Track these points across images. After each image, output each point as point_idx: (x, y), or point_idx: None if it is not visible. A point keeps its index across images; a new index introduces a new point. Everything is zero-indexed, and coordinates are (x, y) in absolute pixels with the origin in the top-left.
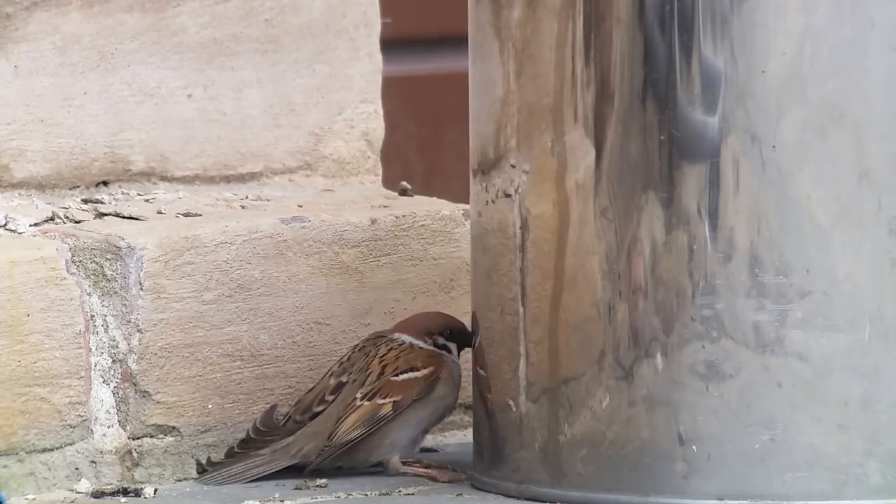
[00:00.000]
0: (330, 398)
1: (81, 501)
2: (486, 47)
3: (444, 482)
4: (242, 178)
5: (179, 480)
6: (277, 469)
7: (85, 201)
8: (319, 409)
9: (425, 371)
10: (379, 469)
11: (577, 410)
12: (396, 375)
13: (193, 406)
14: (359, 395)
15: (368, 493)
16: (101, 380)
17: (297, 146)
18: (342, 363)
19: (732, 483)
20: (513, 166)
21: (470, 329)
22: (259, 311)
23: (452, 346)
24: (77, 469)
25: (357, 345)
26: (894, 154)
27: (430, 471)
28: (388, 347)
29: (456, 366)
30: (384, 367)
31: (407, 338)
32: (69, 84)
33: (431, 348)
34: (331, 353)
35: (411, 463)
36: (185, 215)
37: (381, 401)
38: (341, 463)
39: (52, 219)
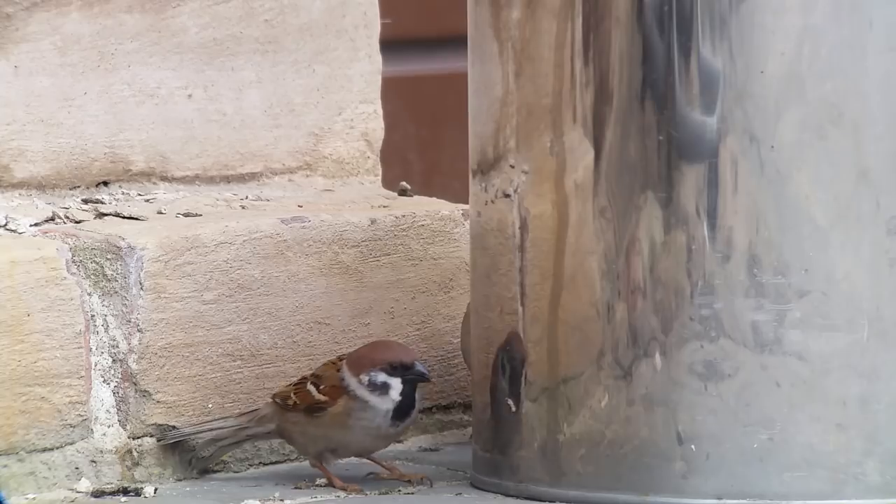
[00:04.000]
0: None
1: (82, 501)
2: (486, 48)
3: (338, 487)
4: (242, 178)
5: (179, 480)
6: (229, 429)
7: (85, 201)
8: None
9: (321, 398)
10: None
11: (576, 410)
12: (310, 383)
13: (193, 406)
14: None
15: (368, 493)
16: (102, 379)
17: (297, 146)
18: None
19: (731, 482)
20: (512, 166)
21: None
22: (259, 311)
23: (395, 382)
24: (77, 468)
25: None
26: (892, 154)
27: (337, 480)
28: (331, 363)
29: (372, 411)
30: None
31: (344, 370)
32: (69, 84)
33: (344, 384)
34: (331, 352)
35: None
36: (186, 215)
37: (293, 396)
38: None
39: (52, 219)
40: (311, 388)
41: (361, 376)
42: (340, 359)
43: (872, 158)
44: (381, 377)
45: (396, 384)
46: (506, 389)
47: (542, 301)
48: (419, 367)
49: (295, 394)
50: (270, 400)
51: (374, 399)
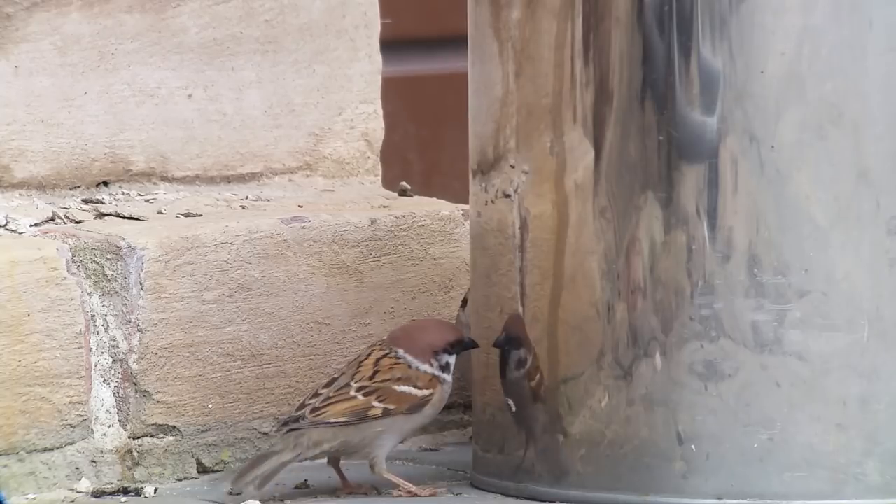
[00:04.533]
0: (322, 391)
1: (82, 501)
2: (486, 48)
3: (425, 496)
4: (242, 179)
5: (179, 480)
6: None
7: (85, 201)
8: (311, 401)
9: (425, 392)
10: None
11: (576, 410)
12: (397, 384)
13: (193, 406)
14: (354, 387)
15: (368, 493)
16: (102, 379)
17: (297, 146)
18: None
19: (731, 482)
20: (512, 166)
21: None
22: (259, 311)
23: (453, 360)
24: (77, 468)
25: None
26: (893, 154)
27: (410, 485)
28: (388, 358)
29: (449, 386)
30: (377, 371)
31: (410, 358)
32: (69, 84)
33: (433, 372)
34: (331, 352)
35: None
36: (186, 215)
37: (376, 403)
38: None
39: (52, 219)
40: (400, 387)
41: (432, 360)
42: (390, 350)
43: (872, 158)
44: (446, 358)
45: (453, 360)
46: (506, 389)
47: (542, 301)
48: (467, 338)
49: (380, 400)
50: (323, 423)
51: (448, 379)
